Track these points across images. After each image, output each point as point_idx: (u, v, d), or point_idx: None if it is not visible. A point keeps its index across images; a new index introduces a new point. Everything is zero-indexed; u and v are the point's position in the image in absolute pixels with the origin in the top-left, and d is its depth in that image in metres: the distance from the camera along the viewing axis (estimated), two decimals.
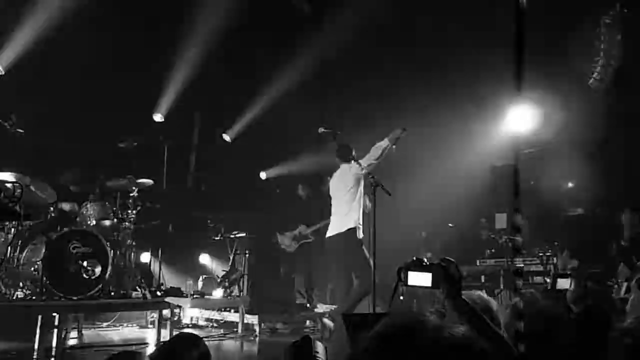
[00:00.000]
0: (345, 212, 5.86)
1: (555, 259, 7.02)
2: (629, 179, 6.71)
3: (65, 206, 5.73)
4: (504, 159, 8.14)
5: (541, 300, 2.21)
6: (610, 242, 5.26)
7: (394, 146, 5.77)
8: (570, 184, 7.81)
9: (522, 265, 7.43)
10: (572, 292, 2.26)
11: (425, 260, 1.72)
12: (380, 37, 8.18)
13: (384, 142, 5.81)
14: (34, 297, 4.96)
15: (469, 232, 8.32)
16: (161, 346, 1.78)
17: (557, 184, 7.93)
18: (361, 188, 5.88)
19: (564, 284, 2.32)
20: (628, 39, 6.95)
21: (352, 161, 5.77)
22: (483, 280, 7.75)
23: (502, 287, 7.32)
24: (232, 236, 7.84)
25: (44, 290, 4.92)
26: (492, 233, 7.99)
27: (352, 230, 5.80)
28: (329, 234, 5.96)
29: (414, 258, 1.74)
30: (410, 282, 1.70)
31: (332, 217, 5.99)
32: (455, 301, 1.65)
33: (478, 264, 7.99)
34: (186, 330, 6.92)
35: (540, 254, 7.41)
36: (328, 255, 6.04)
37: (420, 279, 1.69)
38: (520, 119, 7.85)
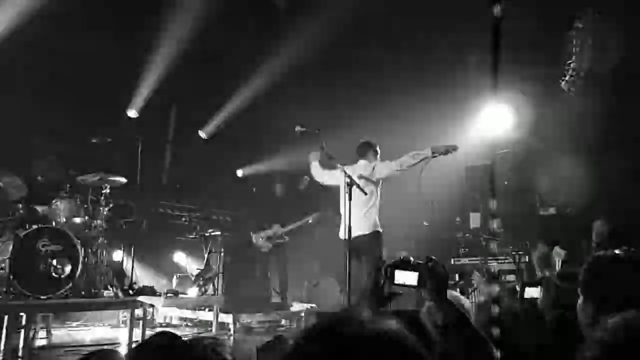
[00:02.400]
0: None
1: (527, 257, 7.13)
2: (602, 180, 6.85)
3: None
4: (479, 159, 8.23)
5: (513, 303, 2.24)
6: (582, 243, 5.35)
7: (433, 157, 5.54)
8: (543, 184, 7.93)
9: (496, 265, 7.56)
10: (544, 300, 2.27)
11: (412, 259, 1.73)
12: (356, 37, 8.19)
13: (426, 151, 5.54)
14: (0, 297, 4.81)
15: (444, 231, 8.40)
16: (139, 345, 1.75)
17: (530, 184, 8.05)
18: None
19: (532, 292, 2.32)
20: (600, 43, 7.10)
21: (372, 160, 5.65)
22: (457, 279, 7.82)
23: (475, 285, 7.40)
24: (207, 234, 7.76)
25: (11, 289, 4.79)
26: (466, 232, 8.08)
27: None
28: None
29: (401, 257, 1.74)
30: (396, 281, 1.70)
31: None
32: (440, 301, 1.66)
33: (452, 262, 8.07)
34: (159, 329, 6.83)
35: (513, 253, 7.52)
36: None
37: (406, 277, 1.69)
38: (494, 119, 7.97)
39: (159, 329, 6.78)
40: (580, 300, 1.87)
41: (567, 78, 7.37)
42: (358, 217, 5.32)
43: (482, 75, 7.47)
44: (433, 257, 1.72)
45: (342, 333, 0.79)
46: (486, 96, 7.67)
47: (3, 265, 4.93)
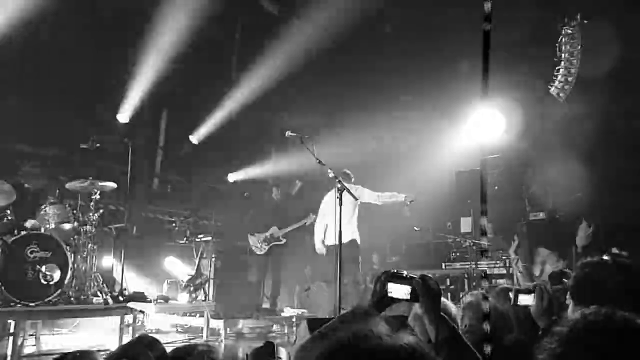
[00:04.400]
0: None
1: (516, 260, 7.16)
2: (591, 185, 6.90)
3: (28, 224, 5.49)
4: (469, 164, 8.28)
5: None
6: (570, 247, 5.38)
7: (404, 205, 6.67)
8: (532, 189, 7.99)
9: (487, 268, 7.59)
10: (536, 307, 2.27)
11: (405, 273, 1.72)
12: (347, 43, 8.22)
13: (401, 197, 6.65)
14: None
15: (435, 236, 8.43)
16: (118, 348, 1.76)
17: (520, 189, 8.10)
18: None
19: (526, 299, 2.32)
20: (589, 48, 7.18)
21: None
22: (448, 284, 7.85)
23: (466, 290, 7.43)
24: (198, 239, 7.72)
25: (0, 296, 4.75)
26: (457, 237, 8.11)
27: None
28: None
29: (394, 270, 1.73)
30: (389, 293, 1.69)
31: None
32: (433, 317, 1.65)
33: (443, 267, 8.10)
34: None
35: (504, 257, 7.56)
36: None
37: (399, 290, 1.68)
38: (484, 125, 8.02)
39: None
40: (571, 306, 1.88)
41: (556, 83, 7.43)
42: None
43: (472, 81, 7.53)
44: (427, 274, 1.71)
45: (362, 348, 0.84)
46: (476, 101, 7.73)
47: None
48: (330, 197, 6.78)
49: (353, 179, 6.77)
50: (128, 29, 7.78)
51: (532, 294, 2.31)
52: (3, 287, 4.76)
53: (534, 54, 7.60)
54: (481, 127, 8.17)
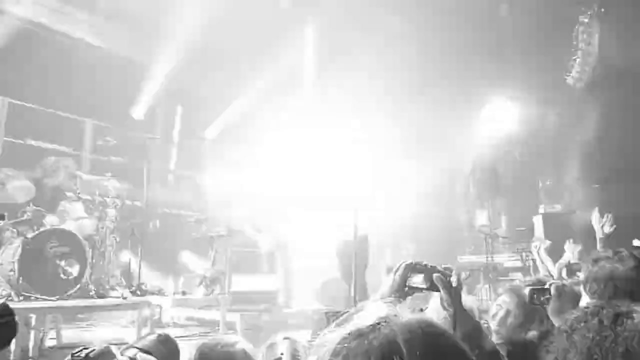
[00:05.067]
0: None
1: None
2: (606, 176, 6.82)
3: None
4: (485, 157, 8.22)
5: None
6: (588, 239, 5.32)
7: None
8: (549, 181, 7.90)
9: (503, 261, 7.54)
10: (553, 305, 2.24)
11: (425, 263, 1.72)
12: (356, 36, 8.18)
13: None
14: (10, 298, 4.85)
15: (450, 229, 8.40)
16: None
17: (536, 181, 8.03)
18: None
19: (541, 297, 2.28)
20: (606, 38, 7.07)
21: None
22: (464, 276, 7.82)
23: (482, 282, 7.40)
24: (213, 234, 7.77)
25: (21, 290, 4.83)
26: (472, 229, 8.08)
27: None
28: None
29: (414, 261, 1.73)
30: (408, 283, 1.69)
31: None
32: (456, 310, 1.65)
33: (459, 259, 8.06)
34: (167, 329, 6.86)
35: (520, 250, 7.50)
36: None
37: (419, 280, 1.68)
38: (500, 118, 7.95)
39: (168, 329, 6.81)
40: (582, 300, 1.87)
41: (573, 73, 7.34)
42: None
43: (488, 72, 7.45)
44: (449, 266, 1.71)
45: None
46: (492, 94, 7.65)
47: (12, 267, 4.97)
48: None
49: None
50: (143, 26, 7.83)
51: (548, 292, 2.28)
52: (24, 282, 4.85)
53: (550, 43, 7.50)
54: (497, 118, 8.10)
